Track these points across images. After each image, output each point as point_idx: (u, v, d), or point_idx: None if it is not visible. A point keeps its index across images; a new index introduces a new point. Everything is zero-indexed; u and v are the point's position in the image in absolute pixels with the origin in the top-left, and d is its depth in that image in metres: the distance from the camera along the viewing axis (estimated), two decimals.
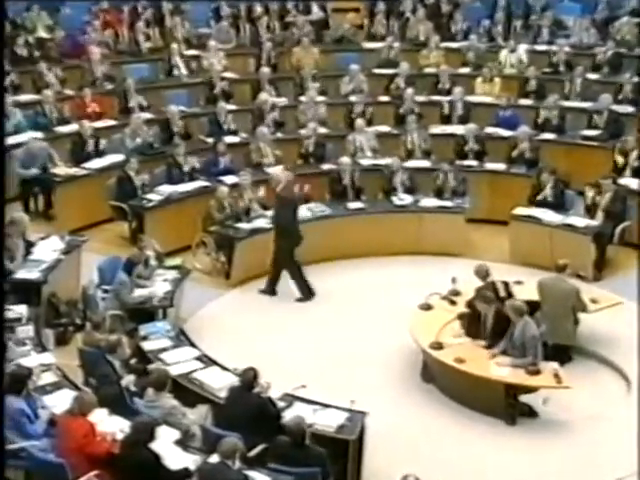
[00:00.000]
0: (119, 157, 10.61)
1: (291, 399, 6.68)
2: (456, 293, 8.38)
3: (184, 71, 12.84)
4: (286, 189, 9.35)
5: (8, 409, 6.04)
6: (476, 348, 7.56)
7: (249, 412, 6.28)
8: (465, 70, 13.16)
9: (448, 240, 10.11)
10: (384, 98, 12.62)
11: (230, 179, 10.31)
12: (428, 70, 13.13)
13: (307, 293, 9.22)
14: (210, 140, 11.17)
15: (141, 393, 6.57)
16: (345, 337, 8.53)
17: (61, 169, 10.34)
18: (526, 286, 8.33)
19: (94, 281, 8.34)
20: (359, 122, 11.47)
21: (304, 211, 10.03)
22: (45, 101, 11.24)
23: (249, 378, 6.46)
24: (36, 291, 8.13)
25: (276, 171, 9.97)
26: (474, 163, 11.12)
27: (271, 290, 9.31)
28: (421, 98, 12.29)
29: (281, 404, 6.57)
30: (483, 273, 8.12)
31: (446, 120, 12.02)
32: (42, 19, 13.22)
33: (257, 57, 13.29)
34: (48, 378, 6.73)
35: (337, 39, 14.17)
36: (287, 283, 9.43)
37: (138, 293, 8.19)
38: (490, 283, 8.03)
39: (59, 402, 6.37)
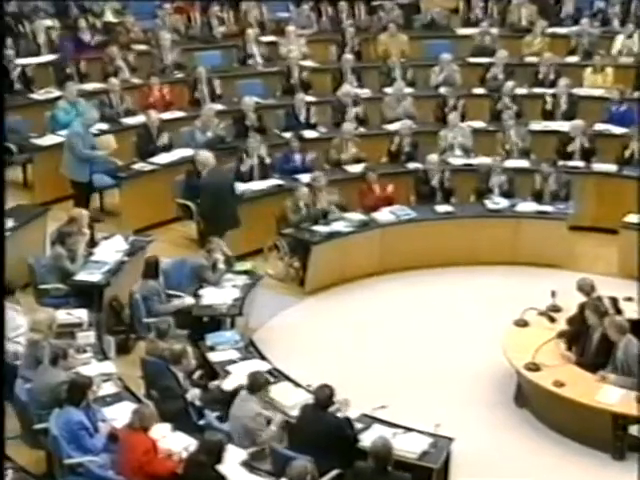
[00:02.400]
0: (188, 152, 10.75)
1: (370, 420, 6.66)
2: (556, 309, 8.22)
3: (259, 59, 12.97)
4: (212, 173, 9.51)
5: (67, 421, 6.20)
6: (578, 370, 7.40)
7: (323, 433, 6.29)
8: (572, 59, 12.93)
9: (548, 249, 9.94)
10: (479, 90, 12.49)
11: (306, 178, 10.36)
12: (529, 59, 12.95)
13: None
14: (286, 134, 11.24)
15: (207, 408, 6.67)
16: (430, 354, 8.47)
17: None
18: (637, 303, 8.12)
19: (155, 284, 8.39)
20: (450, 117, 11.38)
21: (386, 214, 10.01)
22: (111, 90, 11.46)
23: (324, 396, 6.47)
24: (98, 295, 8.31)
25: (204, 153, 10.03)
26: (580, 164, 10.90)
27: None
28: (521, 90, 12.12)
29: (358, 426, 6.55)
30: (587, 288, 7.95)
31: (549, 115, 11.83)
32: (111, 3, 13.54)
33: (339, 44, 13.32)
34: (109, 389, 6.89)
35: (427, 24, 14.10)
36: (364, 293, 9.41)
37: (205, 300, 8.30)
38: (596, 299, 7.85)
39: (119, 415, 6.50)
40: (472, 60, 13.06)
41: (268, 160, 10.62)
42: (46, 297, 8.39)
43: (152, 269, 8.36)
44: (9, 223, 8.97)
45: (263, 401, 6.64)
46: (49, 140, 10.69)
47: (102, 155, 10.36)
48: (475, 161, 10.96)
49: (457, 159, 11.06)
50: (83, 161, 10.16)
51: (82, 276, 8.41)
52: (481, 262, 9.90)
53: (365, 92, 12.32)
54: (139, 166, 10.54)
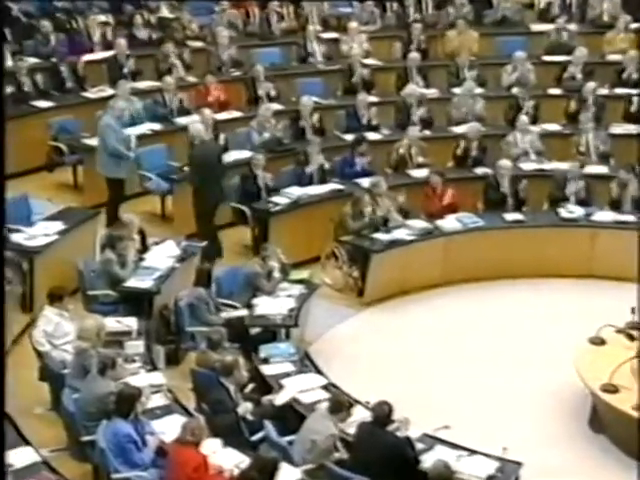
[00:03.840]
0: (244, 153, 10.84)
1: (432, 441, 6.64)
2: (636, 327, 8.09)
3: (320, 57, 13.02)
4: (201, 145, 9.77)
5: (114, 433, 6.29)
6: None
7: (382, 453, 6.29)
8: None
9: (627, 262, 9.72)
10: (555, 91, 12.36)
11: (366, 182, 10.35)
12: (612, 57, 12.77)
13: (212, 257, 9.26)
14: (347, 137, 11.27)
15: (260, 423, 6.71)
16: (497, 372, 8.40)
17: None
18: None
19: (204, 292, 8.45)
20: (523, 119, 11.28)
21: (452, 222, 9.96)
22: (165, 89, 11.57)
23: (383, 413, 6.47)
24: (148, 302, 8.42)
25: (195, 125, 10.17)
26: None
27: (217, 252, 9.46)
28: (602, 91, 11.95)
29: (420, 446, 6.53)
30: None
31: (632, 118, 11.64)
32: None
33: (405, 41, 13.30)
34: (158, 401, 6.97)
35: (499, 20, 14.00)
36: (426, 306, 9.37)
37: (259, 310, 8.34)
38: None
39: (168, 428, 6.58)
40: (547, 58, 12.93)
41: (327, 165, 10.66)
42: (95, 304, 8.51)
43: (204, 277, 8.44)
44: (58, 226, 9.14)
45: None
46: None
47: (130, 156, 10.29)
48: (549, 166, 10.85)
49: (530, 164, 10.96)
50: (115, 156, 10.19)
51: (132, 282, 8.52)
52: (553, 275, 9.79)
53: (431, 92, 12.28)
54: None
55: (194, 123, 10.38)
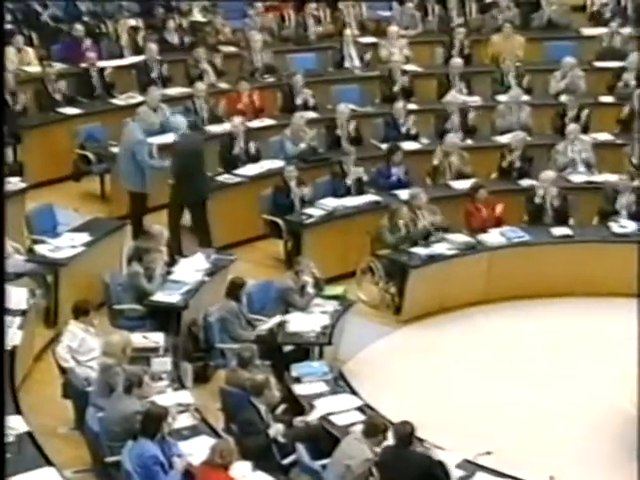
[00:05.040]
0: (277, 163, 10.90)
1: (473, 468, 6.63)
2: None
3: (357, 62, 13.08)
4: (184, 137, 10.04)
5: (140, 454, 6.34)
6: None
7: (411, 474, 6.27)
8: None
9: None
10: (606, 98, 12.32)
11: (405, 194, 10.37)
12: None
13: (174, 252, 9.34)
14: (384, 146, 11.29)
15: (292, 446, 6.73)
16: (542, 395, 8.36)
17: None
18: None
19: (235, 306, 8.49)
20: (570, 128, 11.24)
21: (495, 236, 9.93)
22: (197, 95, 11.67)
23: (406, 433, 6.48)
24: (175, 317, 8.49)
25: (178, 117, 10.38)
26: None
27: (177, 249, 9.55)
28: None
29: (460, 473, 6.52)
30: None
31: None
32: (200, 1, 13.81)
33: (447, 46, 13.33)
34: (185, 421, 7.02)
35: (547, 24, 13.94)
36: (467, 324, 9.34)
37: (291, 327, 8.38)
38: None
39: (196, 450, 6.62)
40: (599, 64, 12.88)
41: (365, 177, 10.67)
42: (121, 318, 8.60)
43: (236, 291, 8.49)
44: (84, 237, 9.24)
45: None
46: None
47: (163, 166, 10.40)
48: (599, 178, 10.79)
49: (579, 176, 10.92)
50: (140, 169, 10.32)
51: (159, 296, 8.59)
52: (603, 293, 9.72)
53: (474, 100, 12.29)
54: (223, 178, 10.72)
55: (177, 116, 10.60)
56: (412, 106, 12.03)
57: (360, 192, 10.60)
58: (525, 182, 10.79)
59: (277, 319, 8.45)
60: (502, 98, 12.13)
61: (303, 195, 10.36)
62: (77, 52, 12.41)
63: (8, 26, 12.53)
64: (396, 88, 12.32)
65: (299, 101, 11.94)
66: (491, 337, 9.26)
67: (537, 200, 10.28)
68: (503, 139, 11.44)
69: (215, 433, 7.04)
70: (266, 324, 8.45)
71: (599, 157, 11.16)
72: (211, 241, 9.99)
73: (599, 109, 12.02)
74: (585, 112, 11.70)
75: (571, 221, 10.37)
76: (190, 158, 10.08)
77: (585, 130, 11.48)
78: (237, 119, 11.07)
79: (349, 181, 10.60)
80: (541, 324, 9.40)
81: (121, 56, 12.76)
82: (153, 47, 12.35)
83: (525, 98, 12.12)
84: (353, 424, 7.04)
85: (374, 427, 6.66)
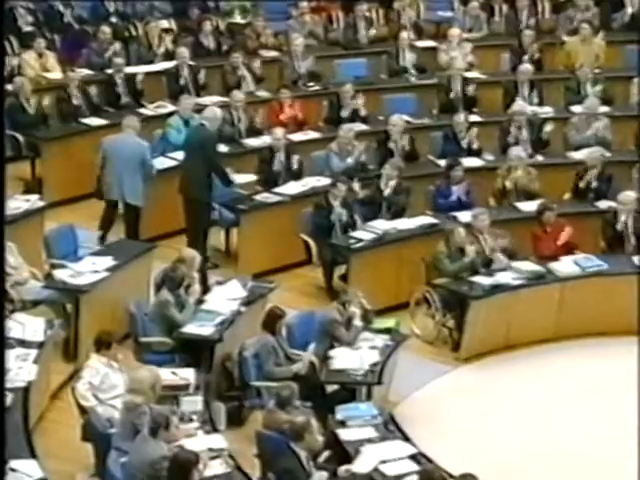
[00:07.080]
0: (322, 180, 10.96)
1: None
2: None
3: (413, 69, 13.12)
4: (198, 129, 10.28)
5: None
6: None
7: None
8: None
9: None
10: None
11: (466, 216, 10.37)
12: None
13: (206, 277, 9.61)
14: (443, 162, 11.31)
15: None
16: (615, 446, 8.25)
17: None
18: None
19: (272, 340, 8.51)
20: None
21: (568, 265, 9.87)
22: (233, 105, 11.76)
23: None
24: (208, 351, 8.55)
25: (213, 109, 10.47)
26: None
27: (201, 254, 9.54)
28: None
29: None
30: None
31: None
32: (240, 1, 13.95)
33: (515, 51, 13.35)
34: (217, 468, 7.02)
35: (630, 24, 13.86)
36: (534, 364, 9.29)
37: (336, 364, 8.39)
38: None
39: None
40: None
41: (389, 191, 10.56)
42: (148, 352, 8.66)
43: (274, 323, 8.53)
44: (108, 261, 9.33)
45: None
46: (159, 163, 10.91)
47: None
48: None
49: None
50: (143, 181, 10.50)
51: (191, 328, 8.63)
52: None
53: (546, 111, 12.29)
54: (262, 197, 10.78)
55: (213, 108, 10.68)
56: (474, 118, 12.05)
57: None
58: (602, 204, 10.75)
59: (309, 356, 8.45)
60: (577, 109, 12.12)
61: (350, 218, 10.37)
62: (77, 51, 12.74)
63: (28, 28, 12.78)
64: (453, 95, 12.30)
65: (347, 112, 12.01)
66: (562, 378, 9.21)
67: (619, 227, 10.23)
68: (577, 155, 11.41)
69: None
70: (297, 363, 8.42)
71: None
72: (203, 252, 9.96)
73: None
74: None
75: None
76: (197, 150, 10.15)
77: None
78: (278, 131, 11.15)
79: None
80: (619, 365, 9.31)
81: (151, 61, 12.90)
82: (185, 51, 12.48)
83: (603, 109, 12.07)
84: (406, 475, 7.04)
85: (430, 478, 6.63)
